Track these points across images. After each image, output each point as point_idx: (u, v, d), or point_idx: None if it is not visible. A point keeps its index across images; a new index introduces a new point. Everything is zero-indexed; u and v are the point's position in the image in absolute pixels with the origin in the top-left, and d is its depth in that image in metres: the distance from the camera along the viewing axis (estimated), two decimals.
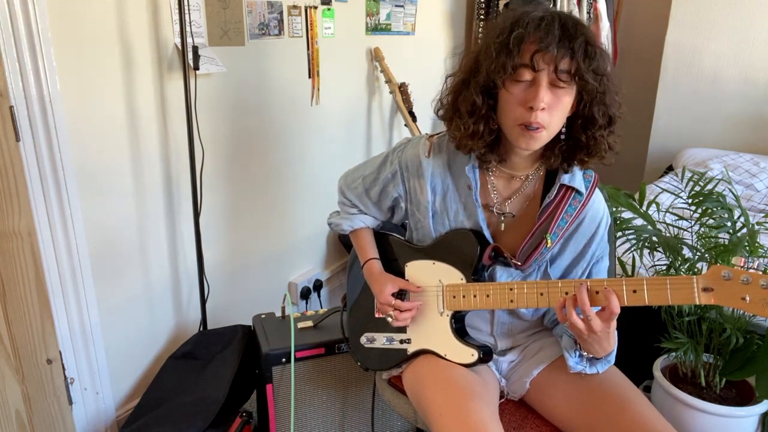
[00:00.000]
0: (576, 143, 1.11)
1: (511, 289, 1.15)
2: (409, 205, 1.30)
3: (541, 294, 1.12)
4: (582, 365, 1.18)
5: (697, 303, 0.98)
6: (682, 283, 0.99)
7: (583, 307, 1.03)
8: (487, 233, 1.22)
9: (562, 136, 1.13)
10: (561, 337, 1.23)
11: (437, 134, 1.26)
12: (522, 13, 1.04)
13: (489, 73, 1.05)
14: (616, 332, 1.12)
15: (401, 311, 1.25)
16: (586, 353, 1.16)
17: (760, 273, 0.93)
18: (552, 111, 1.04)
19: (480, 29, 3.40)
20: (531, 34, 1.01)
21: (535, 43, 1.00)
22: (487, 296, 1.18)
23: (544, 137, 1.07)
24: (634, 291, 1.02)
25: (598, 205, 1.22)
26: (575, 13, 3.20)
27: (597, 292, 1.05)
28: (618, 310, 1.03)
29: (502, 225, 1.23)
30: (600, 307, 1.05)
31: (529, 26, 1.01)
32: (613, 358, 1.17)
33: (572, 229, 1.20)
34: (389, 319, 1.27)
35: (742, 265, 0.95)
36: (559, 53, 1.00)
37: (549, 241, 1.16)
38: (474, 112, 1.09)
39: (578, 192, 1.17)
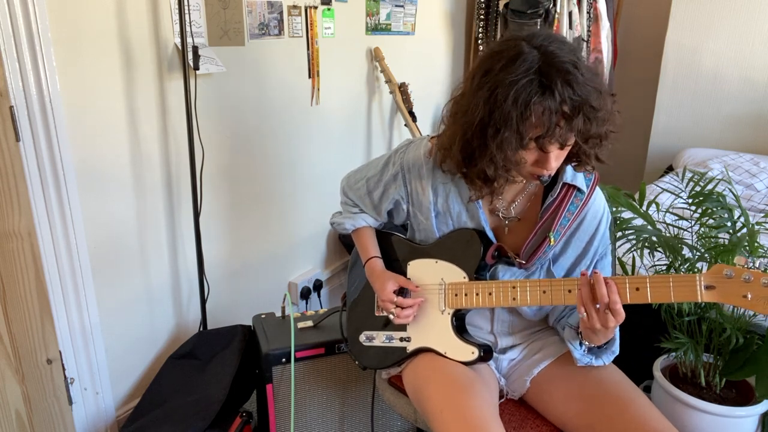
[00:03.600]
0: (567, 156, 1.12)
1: (513, 287, 1.16)
2: (410, 207, 1.30)
3: (544, 292, 1.13)
4: (588, 358, 1.19)
5: (700, 300, 0.99)
6: (685, 280, 1.00)
7: (602, 299, 1.03)
8: (490, 233, 1.22)
9: None
10: (563, 329, 1.24)
11: (439, 135, 1.27)
12: (522, 87, 0.97)
13: (500, 153, 1.03)
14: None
15: (403, 308, 1.25)
16: (587, 343, 1.16)
17: (762, 271, 0.94)
18: (560, 159, 1.07)
19: (480, 29, 3.40)
20: (535, 112, 0.97)
21: (540, 127, 0.99)
22: (490, 294, 1.18)
23: (552, 176, 1.11)
24: (637, 288, 1.03)
25: (599, 203, 1.23)
26: (575, 13, 3.20)
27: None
28: (619, 308, 1.03)
29: (506, 228, 1.24)
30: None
31: (534, 106, 0.97)
32: (617, 349, 1.18)
33: (574, 227, 1.21)
34: (391, 317, 1.27)
35: (744, 264, 0.96)
36: (561, 132, 1.00)
37: (552, 239, 1.17)
38: (487, 179, 1.11)
39: (580, 190, 1.18)
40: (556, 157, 1.05)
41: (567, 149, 1.06)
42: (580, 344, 1.18)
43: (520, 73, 0.97)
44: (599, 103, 1.01)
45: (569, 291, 1.10)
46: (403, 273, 1.32)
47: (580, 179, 1.19)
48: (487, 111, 1.01)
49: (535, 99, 0.97)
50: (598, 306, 1.05)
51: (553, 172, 1.08)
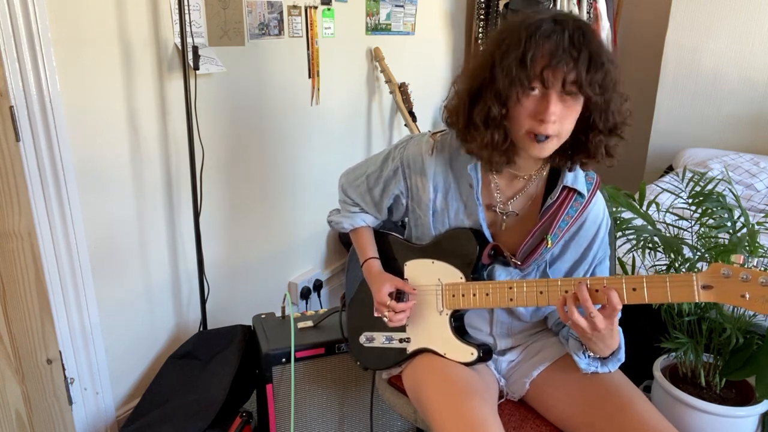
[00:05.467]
0: (576, 143, 1.12)
1: (510, 288, 1.15)
2: (410, 201, 1.30)
3: (541, 292, 1.12)
4: (594, 366, 1.18)
5: (697, 300, 0.98)
6: (681, 280, 0.99)
7: (585, 303, 1.03)
8: (487, 232, 1.22)
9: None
10: (567, 340, 1.23)
11: (440, 132, 1.27)
12: (533, 24, 1.03)
13: (505, 85, 1.04)
14: (620, 329, 1.13)
15: (395, 312, 1.25)
16: (592, 354, 1.16)
17: (760, 270, 0.93)
18: (563, 120, 1.05)
19: (480, 29, 3.40)
20: (542, 46, 1.01)
21: (545, 58, 1.00)
22: (487, 295, 1.18)
23: (554, 144, 1.08)
24: (634, 289, 1.02)
25: (599, 208, 1.22)
26: (575, 13, 3.20)
27: (597, 291, 1.05)
28: (620, 306, 1.03)
29: (503, 224, 1.23)
30: (600, 306, 1.05)
31: (540, 39, 1.01)
32: (623, 356, 1.17)
33: (573, 231, 1.21)
34: (385, 319, 1.27)
35: (741, 263, 0.95)
36: (567, 68, 1.00)
37: (549, 241, 1.16)
38: (489, 123, 1.09)
39: (580, 194, 1.18)
40: (557, 110, 1.02)
41: (570, 110, 1.04)
42: (584, 354, 1.17)
43: (537, 15, 1.05)
44: (608, 64, 1.03)
45: (566, 292, 1.09)
46: (400, 273, 1.32)
47: (581, 183, 1.18)
48: (499, 41, 1.06)
49: (546, 27, 1.01)
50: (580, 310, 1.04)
51: (550, 128, 1.03)
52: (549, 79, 1.01)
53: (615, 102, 1.07)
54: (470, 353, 1.21)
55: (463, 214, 1.24)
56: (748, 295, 0.94)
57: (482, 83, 1.08)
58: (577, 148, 1.12)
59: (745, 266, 0.95)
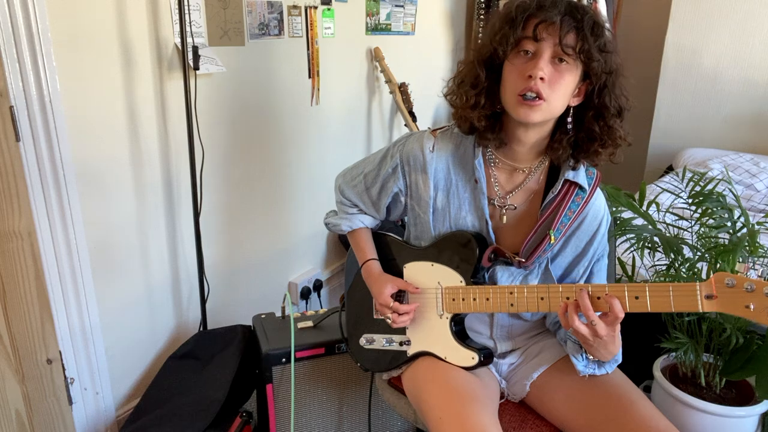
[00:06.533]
0: (589, 134, 1.11)
1: (511, 293, 1.14)
2: (409, 199, 1.28)
3: (542, 298, 1.11)
4: (591, 368, 1.18)
5: (700, 311, 0.97)
6: (685, 290, 0.98)
7: (587, 312, 1.03)
8: (489, 227, 1.21)
9: (569, 126, 1.12)
10: (565, 342, 1.23)
11: (440, 128, 1.26)
12: (529, 1, 1.04)
13: (492, 44, 1.05)
14: (619, 335, 1.12)
15: (399, 313, 1.24)
16: (592, 358, 1.15)
17: (764, 281, 0.92)
18: (553, 85, 1.04)
19: (480, 29, 3.40)
20: (535, 6, 1.02)
21: (539, 16, 1.01)
22: (487, 299, 1.17)
23: (543, 109, 1.06)
24: (637, 297, 1.02)
25: (600, 204, 1.22)
26: None
27: (598, 298, 1.04)
28: (622, 315, 1.02)
29: (504, 218, 1.22)
30: (601, 312, 1.05)
31: (536, 4, 1.03)
32: (620, 358, 1.17)
33: (575, 227, 1.20)
34: (388, 321, 1.27)
35: (745, 272, 0.94)
36: (563, 26, 1.00)
37: (552, 237, 1.15)
38: (477, 84, 1.10)
39: (581, 188, 1.17)
40: (548, 72, 1.02)
41: (562, 75, 1.04)
42: (582, 356, 1.17)
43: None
44: (608, 34, 1.03)
45: (567, 298, 1.08)
46: (399, 275, 1.31)
47: (581, 177, 1.17)
48: (492, 23, 1.08)
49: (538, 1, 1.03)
50: (582, 318, 1.04)
51: (539, 85, 1.02)
52: (541, 34, 1.01)
53: (618, 79, 1.07)
54: (471, 357, 1.21)
55: (465, 210, 1.23)
56: (752, 306, 0.92)
57: (477, 53, 1.11)
58: (588, 139, 1.11)
59: (751, 275, 0.94)
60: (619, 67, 1.07)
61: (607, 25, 1.05)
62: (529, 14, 1.02)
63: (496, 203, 1.22)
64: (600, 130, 1.10)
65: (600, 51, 1.02)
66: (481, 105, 1.11)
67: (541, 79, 1.02)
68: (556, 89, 1.04)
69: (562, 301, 1.08)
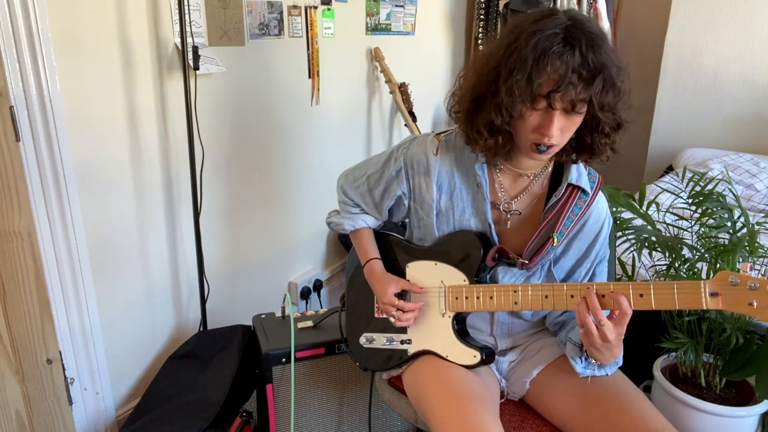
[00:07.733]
0: (581, 144, 1.12)
1: (515, 291, 1.15)
2: (412, 203, 1.29)
3: (546, 296, 1.12)
4: (590, 369, 1.18)
5: (705, 308, 0.97)
6: (689, 287, 0.98)
7: (595, 312, 1.03)
8: (493, 230, 1.21)
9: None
10: (564, 344, 1.23)
11: (444, 132, 1.26)
12: (542, 42, 0.99)
13: (509, 102, 1.03)
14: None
15: (404, 312, 1.25)
16: (593, 360, 1.15)
17: None
18: (565, 133, 1.06)
19: (480, 29, 3.40)
20: (550, 71, 0.98)
21: (552, 82, 0.99)
22: (491, 298, 1.17)
23: (555, 150, 1.09)
24: (641, 295, 1.02)
25: (602, 207, 1.23)
26: None
27: (603, 296, 1.05)
28: (630, 311, 1.03)
29: (509, 223, 1.23)
30: (609, 312, 1.05)
31: (549, 61, 0.98)
32: (621, 360, 1.17)
33: (577, 229, 1.21)
34: (392, 320, 1.27)
35: (748, 270, 0.94)
36: (575, 91, 0.99)
37: (555, 239, 1.16)
38: (493, 130, 1.10)
39: (584, 192, 1.18)
40: (560, 125, 1.03)
41: (573, 121, 1.04)
42: (581, 358, 1.17)
43: (548, 28, 1.00)
44: (618, 78, 1.02)
45: (572, 296, 1.09)
46: (402, 274, 1.31)
47: (584, 181, 1.18)
48: (506, 55, 1.03)
49: (556, 49, 0.98)
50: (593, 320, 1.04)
51: (552, 140, 1.04)
52: (555, 102, 1.01)
53: (620, 104, 1.07)
54: (473, 356, 1.21)
55: (469, 213, 1.23)
56: (756, 303, 0.93)
57: (486, 93, 1.08)
58: (580, 149, 1.12)
59: (754, 274, 0.94)
60: (622, 97, 1.06)
61: (618, 58, 1.03)
62: (546, 75, 0.99)
63: (501, 208, 1.23)
64: (591, 143, 1.11)
65: (608, 106, 1.03)
66: (499, 146, 1.12)
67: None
68: (567, 133, 1.07)
69: (566, 299, 1.09)
